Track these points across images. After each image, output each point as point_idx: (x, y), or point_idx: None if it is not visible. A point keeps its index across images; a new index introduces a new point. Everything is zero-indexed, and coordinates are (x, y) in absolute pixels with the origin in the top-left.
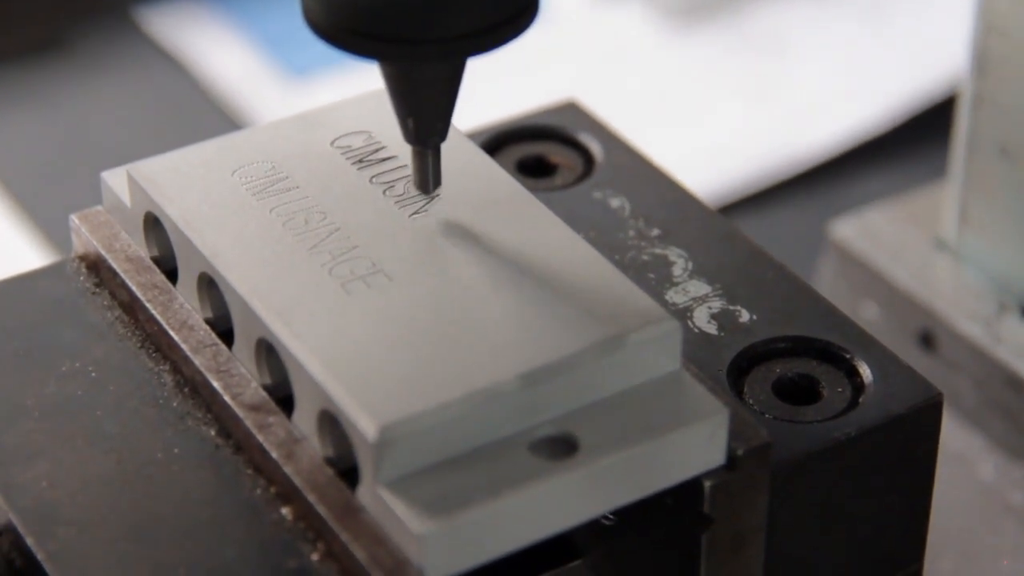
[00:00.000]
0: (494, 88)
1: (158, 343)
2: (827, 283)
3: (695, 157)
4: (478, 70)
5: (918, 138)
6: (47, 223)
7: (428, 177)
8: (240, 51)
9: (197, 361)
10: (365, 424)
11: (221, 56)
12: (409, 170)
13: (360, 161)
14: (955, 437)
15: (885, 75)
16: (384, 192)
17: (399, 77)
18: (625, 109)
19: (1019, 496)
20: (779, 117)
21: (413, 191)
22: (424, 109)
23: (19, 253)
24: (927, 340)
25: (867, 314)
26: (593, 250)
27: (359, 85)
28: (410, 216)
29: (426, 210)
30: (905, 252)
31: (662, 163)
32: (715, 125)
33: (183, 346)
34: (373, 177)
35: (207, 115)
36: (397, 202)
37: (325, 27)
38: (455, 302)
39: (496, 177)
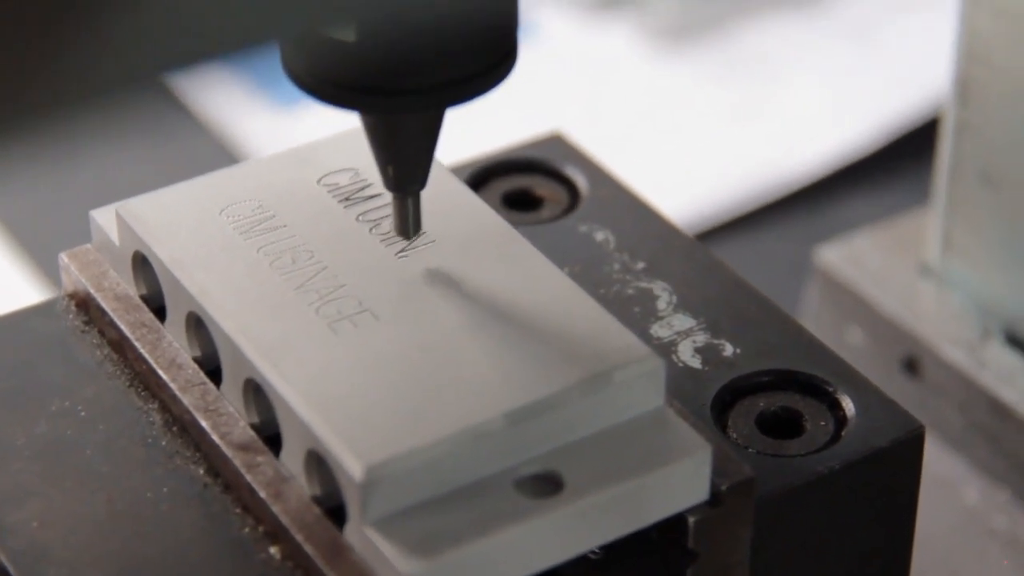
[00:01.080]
0: (476, 111)
1: (147, 382)
2: (812, 309)
3: (679, 179)
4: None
5: (903, 160)
6: (42, 259)
7: (408, 223)
8: (231, 84)
9: (186, 400)
10: (351, 464)
11: (213, 89)
12: None
13: (346, 199)
14: (939, 462)
15: (870, 98)
16: (370, 230)
17: (379, 127)
18: (610, 131)
19: (1003, 520)
20: (764, 139)
21: None
22: (404, 157)
23: (17, 290)
24: (911, 365)
25: (852, 340)
26: (577, 287)
27: (349, 117)
28: (396, 255)
29: (412, 248)
30: (890, 278)
31: (646, 185)
32: (698, 148)
33: (171, 385)
34: (359, 215)
35: (199, 148)
36: (383, 240)
37: (304, 78)
38: (441, 341)
39: (480, 213)
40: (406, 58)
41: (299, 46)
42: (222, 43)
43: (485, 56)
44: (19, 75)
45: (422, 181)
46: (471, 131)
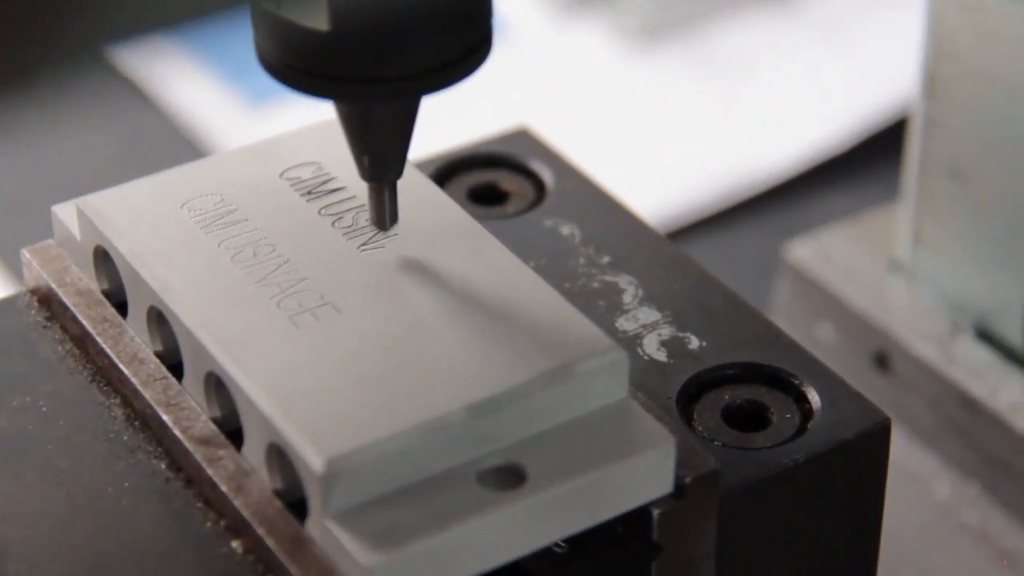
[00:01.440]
0: (450, 109)
1: (109, 377)
2: (783, 305)
3: (653, 178)
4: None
5: (874, 158)
6: (4, 254)
7: (385, 214)
8: (200, 78)
9: (147, 394)
10: (312, 457)
11: (181, 83)
12: (358, 202)
13: (309, 193)
14: (910, 457)
15: (841, 96)
16: (333, 224)
17: (354, 116)
18: (584, 129)
19: (974, 515)
20: (735, 139)
21: (362, 223)
22: (379, 147)
23: None
24: (882, 361)
25: (823, 335)
26: (541, 280)
27: (320, 110)
28: (359, 248)
29: (375, 242)
30: (860, 273)
31: (618, 184)
32: (670, 146)
33: (133, 380)
34: (322, 209)
35: (168, 143)
36: (346, 234)
37: (278, 67)
38: (403, 334)
39: (444, 207)
40: (381, 46)
41: (273, 35)
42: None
43: (460, 43)
44: None
45: (398, 171)
46: (442, 131)
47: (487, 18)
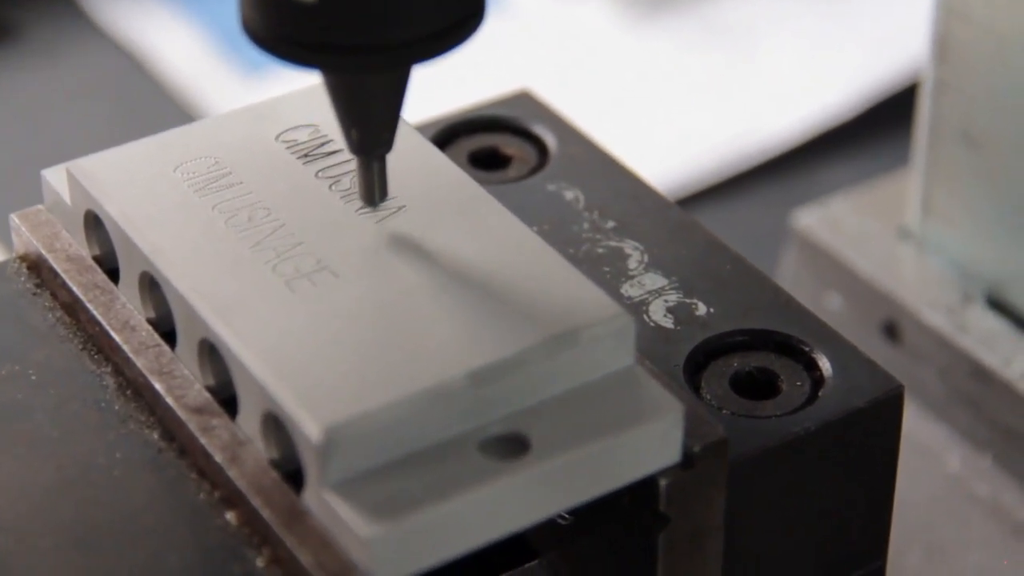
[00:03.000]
0: (451, 82)
1: (100, 344)
2: (790, 273)
3: (657, 148)
4: (431, 65)
5: (882, 126)
6: None
7: (374, 189)
8: (194, 44)
9: (139, 363)
10: (309, 426)
11: (175, 49)
12: (355, 164)
13: (306, 155)
14: (921, 428)
15: (848, 63)
16: (330, 187)
17: (342, 87)
18: (586, 100)
19: (985, 487)
20: (742, 107)
21: None
22: (369, 120)
23: None
24: (891, 330)
25: (831, 305)
26: (545, 244)
27: (314, 77)
28: (357, 212)
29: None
30: (868, 242)
31: (625, 154)
32: (677, 115)
33: (125, 347)
34: (319, 172)
35: (161, 109)
36: (343, 197)
37: (264, 36)
38: (403, 299)
39: (446, 171)
40: (369, 13)
41: (259, 3)
42: None
43: (454, 10)
44: None
45: (388, 144)
46: (442, 104)
47: None
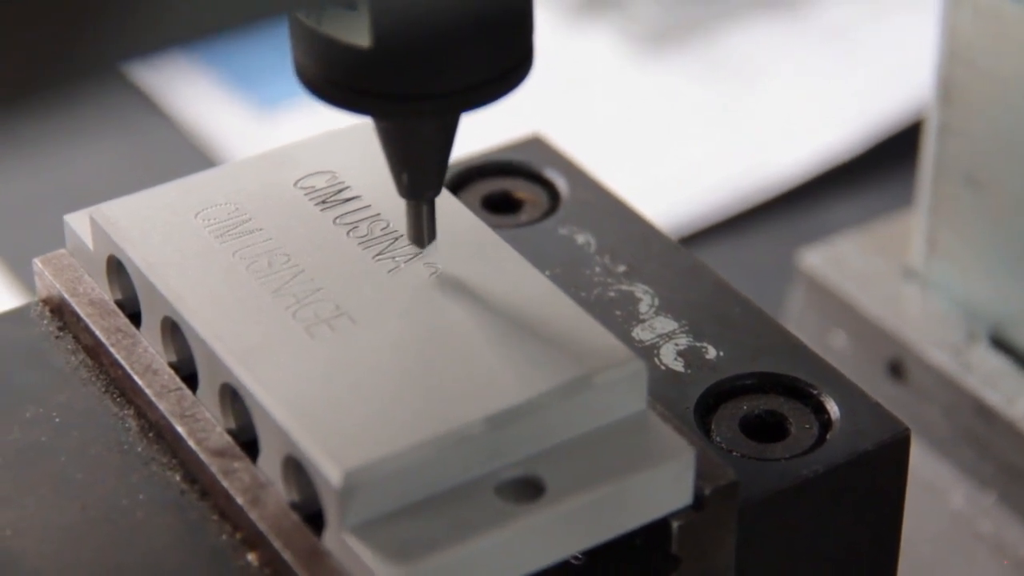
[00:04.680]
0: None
1: (122, 388)
2: (796, 312)
3: (662, 183)
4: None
5: (886, 164)
6: (15, 265)
7: (423, 231)
8: (208, 84)
9: (161, 406)
10: (329, 470)
11: (189, 91)
12: (373, 211)
13: (323, 202)
14: (925, 466)
15: (853, 100)
16: (348, 233)
17: (393, 133)
18: (592, 135)
19: (989, 525)
20: (746, 144)
21: (377, 232)
22: (418, 163)
23: None
24: (896, 369)
25: (836, 343)
26: (558, 290)
27: (329, 117)
28: (374, 258)
29: (391, 252)
30: (874, 281)
31: (629, 190)
32: (680, 152)
33: (147, 391)
34: (337, 218)
35: (176, 150)
36: (361, 244)
37: (318, 83)
38: (419, 345)
39: (460, 216)
40: (423, 63)
41: (313, 51)
42: (234, 17)
43: (503, 59)
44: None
45: (437, 187)
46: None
47: (529, 34)
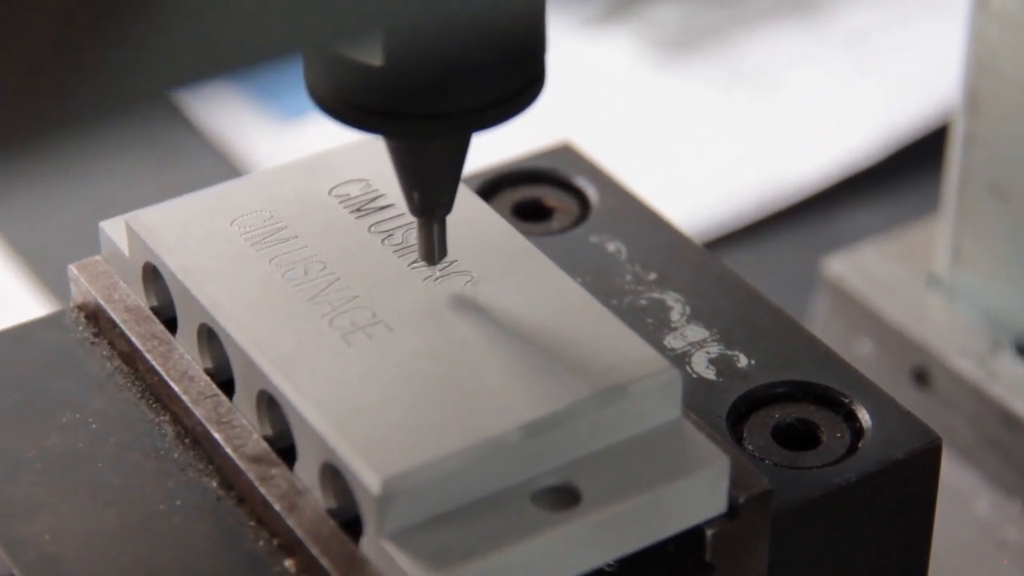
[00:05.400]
0: None
1: (158, 394)
2: (821, 320)
3: (682, 190)
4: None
5: (909, 170)
6: (46, 273)
7: (434, 248)
8: (233, 97)
9: (198, 412)
10: (368, 477)
11: (215, 102)
12: (407, 219)
13: (358, 210)
14: (951, 474)
15: (875, 107)
16: (383, 241)
17: (404, 151)
18: (611, 141)
19: (1015, 533)
20: (769, 150)
21: (412, 240)
22: (430, 183)
23: (21, 303)
24: (921, 377)
25: (861, 351)
26: (592, 298)
27: (356, 131)
28: (409, 266)
29: None
30: (898, 289)
31: (651, 196)
32: (703, 158)
33: (183, 397)
34: (372, 226)
35: (204, 161)
36: (396, 251)
37: (330, 103)
38: (456, 353)
39: (494, 224)
40: (435, 83)
41: (325, 70)
42: (247, 56)
43: (515, 79)
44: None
45: (448, 206)
46: (472, 142)
47: (541, 53)
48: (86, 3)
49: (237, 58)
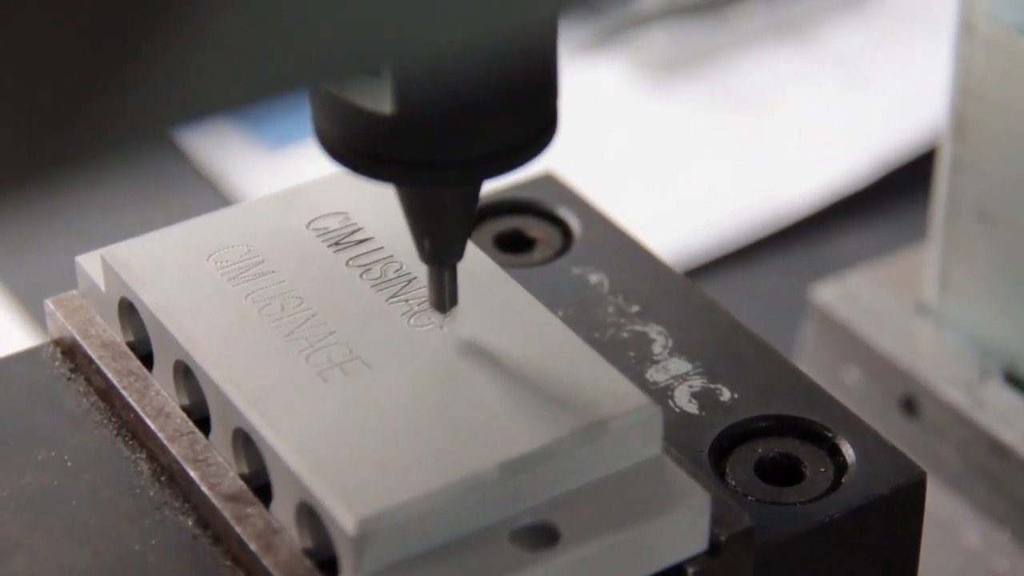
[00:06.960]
0: None
1: (134, 431)
2: (808, 348)
3: (672, 214)
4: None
5: (898, 195)
6: (29, 304)
7: (444, 296)
8: (221, 124)
9: (174, 450)
10: (344, 518)
11: (202, 129)
12: (385, 253)
13: (337, 243)
14: (939, 504)
15: (865, 130)
16: (361, 276)
17: (415, 199)
18: (602, 165)
19: (1004, 563)
20: (757, 174)
21: (390, 275)
22: (440, 230)
23: (3, 336)
24: (910, 405)
25: (849, 379)
26: (571, 333)
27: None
28: (387, 301)
29: (404, 295)
30: (886, 316)
31: (640, 220)
32: (692, 181)
33: (160, 434)
34: (350, 260)
35: (191, 188)
36: (374, 286)
37: (340, 150)
38: (433, 390)
39: (473, 258)
40: (446, 130)
41: (334, 117)
42: (249, 96)
43: (526, 127)
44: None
45: (459, 254)
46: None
47: (553, 101)
48: (84, 41)
49: (238, 99)
